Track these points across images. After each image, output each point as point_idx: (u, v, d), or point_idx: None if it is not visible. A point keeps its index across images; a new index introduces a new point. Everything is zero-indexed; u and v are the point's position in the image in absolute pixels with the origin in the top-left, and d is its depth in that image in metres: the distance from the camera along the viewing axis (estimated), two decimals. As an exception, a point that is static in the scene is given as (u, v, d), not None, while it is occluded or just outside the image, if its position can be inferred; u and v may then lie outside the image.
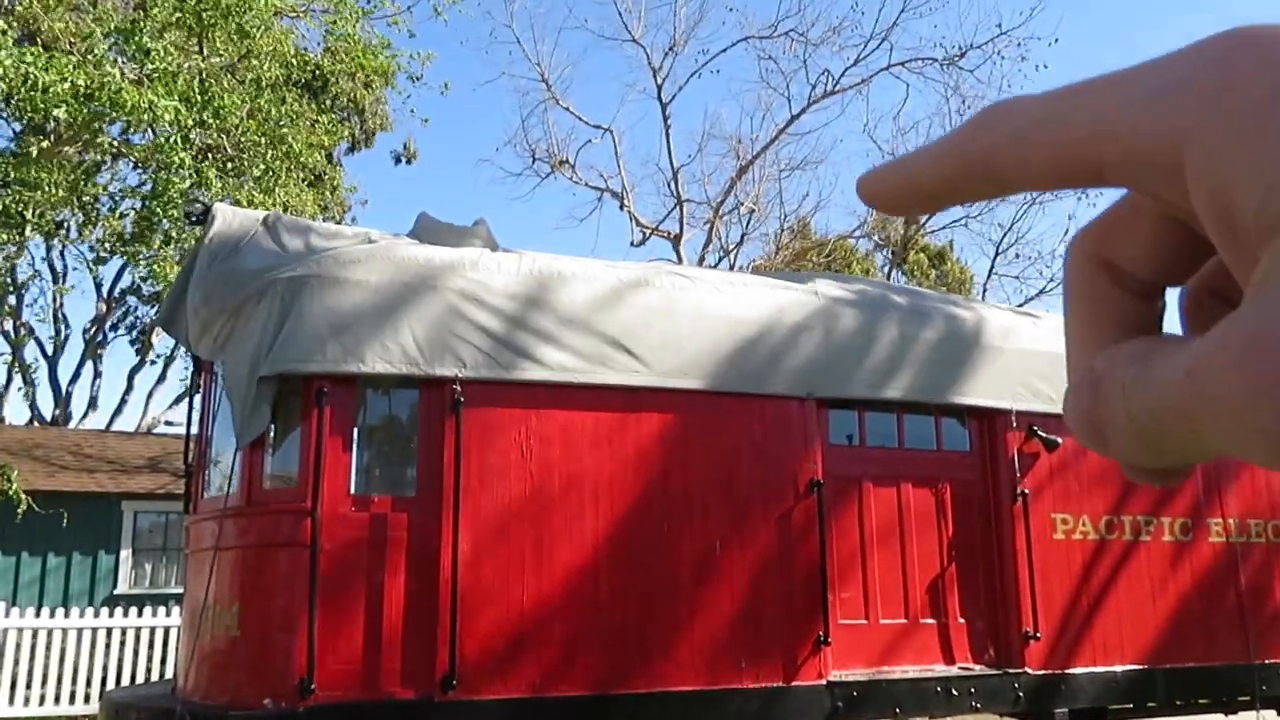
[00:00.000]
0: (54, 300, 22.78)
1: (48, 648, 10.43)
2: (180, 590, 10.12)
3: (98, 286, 22.82)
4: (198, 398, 5.97)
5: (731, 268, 21.90)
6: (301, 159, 13.64)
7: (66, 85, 10.74)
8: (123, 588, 14.54)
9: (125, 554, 14.80)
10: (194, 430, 5.87)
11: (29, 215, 12.74)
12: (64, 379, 23.86)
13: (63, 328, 23.77)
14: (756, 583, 5.42)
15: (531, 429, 5.17)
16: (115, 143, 13.48)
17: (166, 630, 10.97)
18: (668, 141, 22.22)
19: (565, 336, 5.28)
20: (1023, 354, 6.22)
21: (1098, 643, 6.06)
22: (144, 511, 15.10)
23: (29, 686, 10.33)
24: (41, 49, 11.35)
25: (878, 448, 6.01)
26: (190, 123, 11.81)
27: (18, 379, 23.26)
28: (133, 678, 10.69)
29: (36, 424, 21.79)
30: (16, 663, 10.27)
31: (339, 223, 14.59)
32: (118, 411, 23.71)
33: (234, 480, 5.17)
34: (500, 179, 46.92)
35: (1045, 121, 0.28)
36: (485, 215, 6.03)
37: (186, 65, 12.89)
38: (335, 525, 4.84)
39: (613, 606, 5.14)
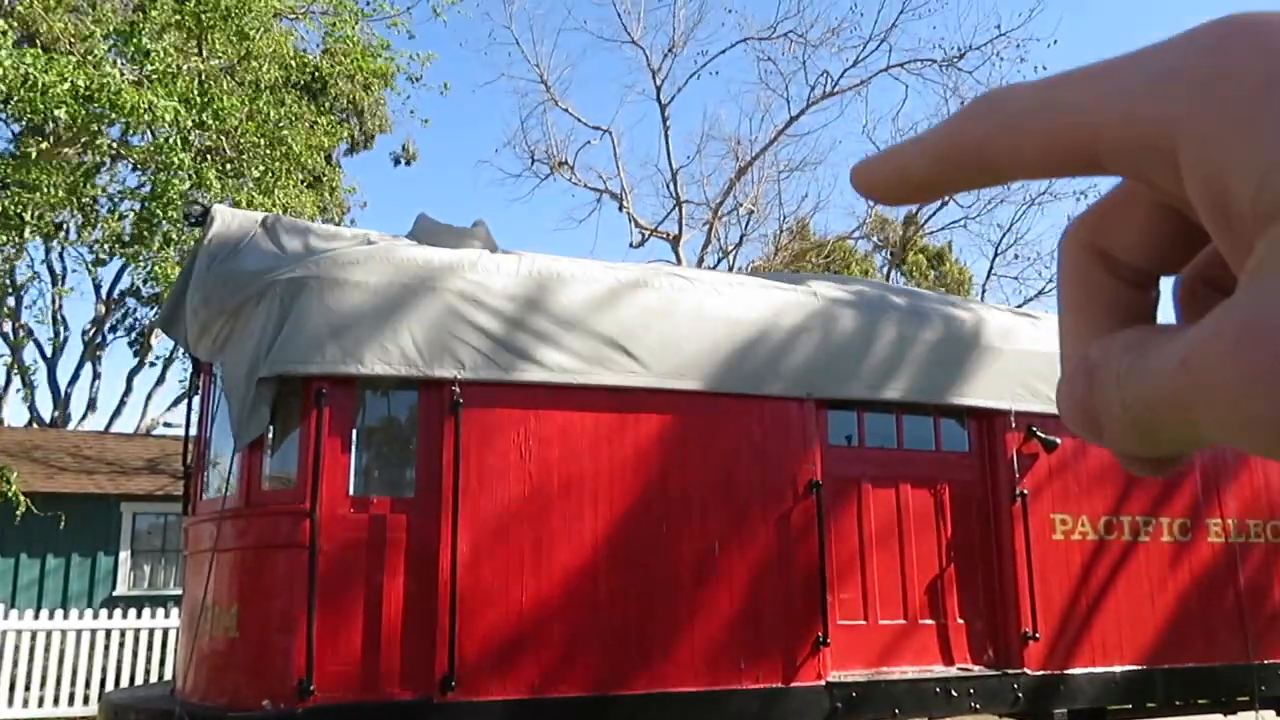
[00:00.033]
0: (53, 302, 22.80)
1: (47, 649, 10.42)
2: (179, 592, 10.13)
3: (97, 288, 22.83)
4: (196, 399, 5.97)
5: (731, 269, 21.90)
6: (301, 160, 13.64)
7: (66, 86, 10.73)
8: (122, 589, 14.53)
9: (124, 555, 14.79)
10: (193, 432, 5.87)
11: (28, 217, 12.73)
12: (63, 381, 23.87)
13: (62, 329, 23.79)
14: (755, 583, 5.41)
15: (530, 430, 5.17)
16: (114, 144, 13.48)
17: (165, 632, 10.96)
18: (667, 143, 22.26)
19: (564, 338, 5.28)
20: (1021, 355, 6.22)
21: (1097, 643, 6.06)
22: (143, 513, 15.09)
23: (28, 688, 10.32)
24: (41, 50, 11.34)
25: (876, 448, 6.00)
26: (190, 124, 11.81)
27: (17, 381, 23.26)
28: (132, 679, 10.69)
29: (35, 426, 21.78)
30: (15, 664, 10.25)
31: (338, 224, 14.57)
32: (117, 413, 23.71)
33: (233, 481, 5.17)
34: (499, 180, 46.99)
35: (1039, 109, 0.28)
36: (484, 216, 6.04)
37: (186, 67, 12.89)
38: (334, 526, 4.84)
39: (612, 607, 5.13)
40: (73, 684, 10.49)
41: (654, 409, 5.41)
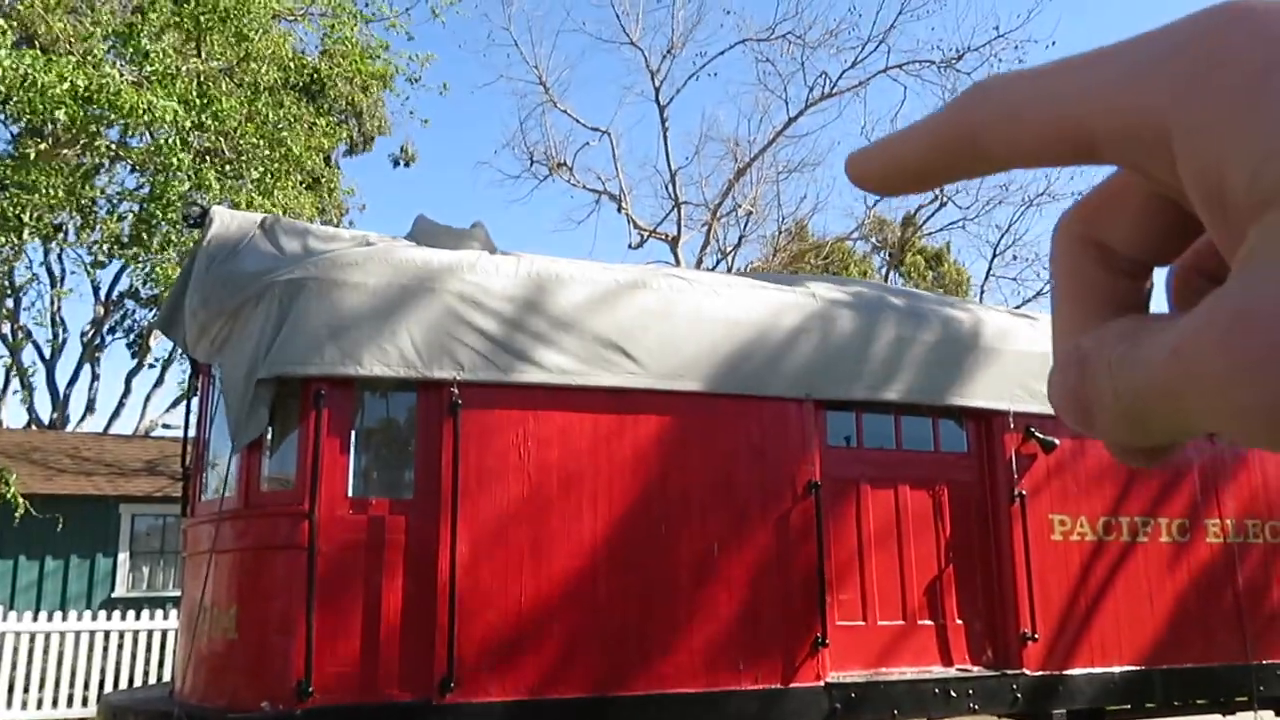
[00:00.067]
0: (52, 304, 22.79)
1: (45, 651, 10.41)
2: (178, 593, 10.10)
3: (95, 290, 22.83)
4: (195, 401, 5.97)
5: (729, 270, 21.90)
6: (301, 161, 13.64)
7: (66, 85, 10.73)
8: (120, 591, 14.52)
9: (123, 557, 14.78)
10: (192, 433, 5.87)
11: (27, 218, 12.72)
12: (62, 382, 23.85)
13: (61, 331, 23.78)
14: (754, 584, 5.41)
15: (529, 431, 5.17)
16: (113, 146, 13.47)
17: (164, 633, 10.94)
18: (665, 144, 22.26)
19: (563, 339, 5.27)
20: (1020, 355, 6.22)
21: (1095, 644, 6.05)
22: (141, 515, 15.08)
23: (27, 690, 10.30)
24: (40, 52, 11.34)
25: (875, 449, 6.00)
26: (189, 124, 11.81)
27: (15, 382, 23.25)
28: (130, 681, 10.67)
29: (34, 427, 21.77)
30: (14, 666, 10.24)
31: (336, 226, 14.57)
32: (115, 414, 23.70)
33: (232, 483, 5.16)
34: (498, 181, 46.97)
35: (1034, 97, 0.28)
36: (483, 218, 6.04)
37: (185, 68, 12.89)
38: (333, 528, 4.83)
39: (611, 608, 5.13)
40: (71, 686, 10.47)
41: (653, 410, 5.40)
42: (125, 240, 13.98)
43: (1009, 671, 5.81)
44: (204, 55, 13.58)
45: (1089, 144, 0.27)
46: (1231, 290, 0.24)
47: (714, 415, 5.50)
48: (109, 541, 14.70)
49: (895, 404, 5.95)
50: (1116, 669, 6.05)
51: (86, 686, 10.51)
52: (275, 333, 4.91)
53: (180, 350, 9.45)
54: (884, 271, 26.70)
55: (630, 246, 22.45)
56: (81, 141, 12.85)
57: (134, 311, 23.06)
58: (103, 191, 14.79)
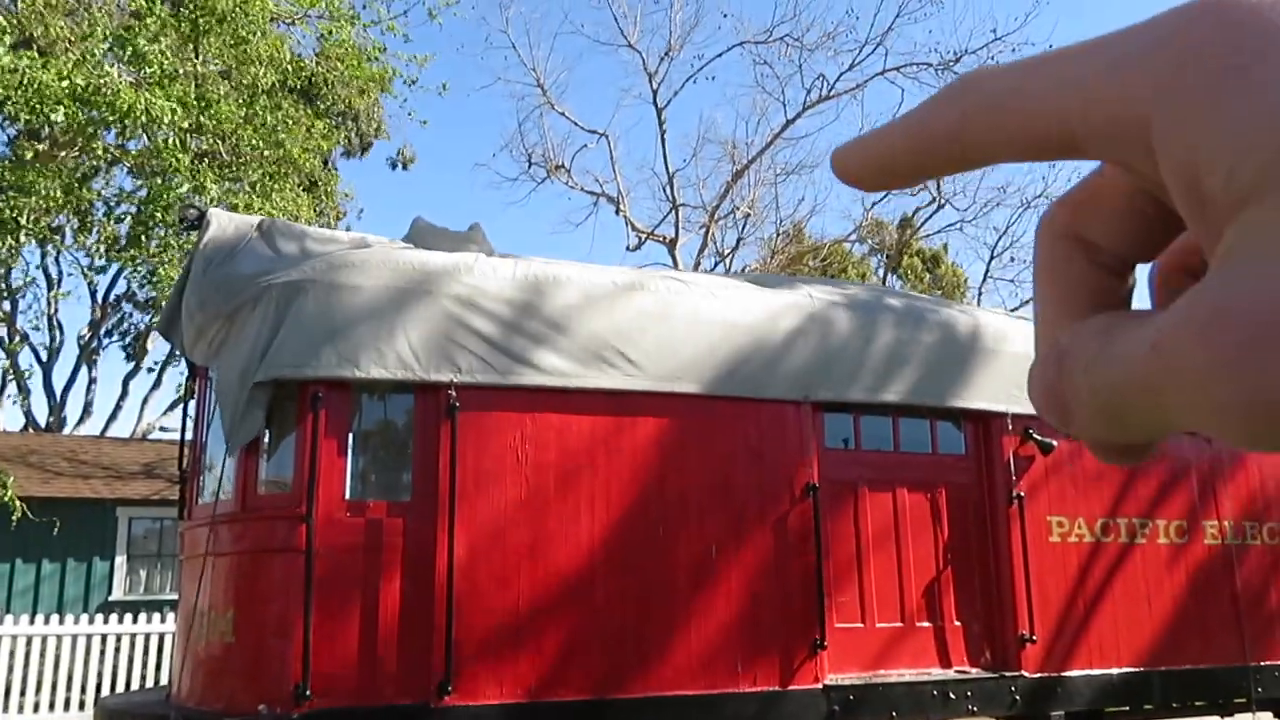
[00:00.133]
0: (49, 306, 22.77)
1: (42, 655, 10.40)
2: (175, 596, 10.10)
3: (92, 293, 22.82)
4: (192, 404, 5.96)
5: (727, 272, 21.90)
6: (299, 164, 13.63)
7: (64, 84, 10.72)
8: (117, 594, 14.50)
9: (120, 560, 14.76)
10: (189, 436, 5.86)
11: (24, 220, 12.70)
12: (59, 385, 23.84)
13: (57, 334, 23.75)
14: (753, 587, 5.41)
15: (527, 434, 5.16)
16: (111, 148, 13.47)
17: (161, 636, 10.93)
18: (663, 146, 22.34)
19: (560, 341, 5.27)
20: (1018, 357, 6.22)
21: (1094, 645, 6.05)
22: (138, 518, 15.06)
23: (23, 694, 10.29)
24: (38, 54, 11.33)
25: (873, 451, 6.00)
26: (187, 125, 11.80)
27: (12, 385, 23.22)
28: (127, 684, 10.65)
29: (31, 430, 21.74)
30: (11, 670, 10.23)
31: (334, 228, 14.55)
32: (112, 418, 23.69)
33: (229, 486, 5.15)
34: (496, 184, 46.88)
35: (1018, 90, 0.28)
36: (481, 220, 6.03)
37: (182, 70, 12.88)
38: (330, 531, 4.83)
39: (609, 611, 5.12)
40: (68, 689, 10.45)
41: (651, 412, 5.40)
42: (123, 243, 13.97)
43: (1007, 673, 5.81)
44: (201, 58, 13.58)
45: (1071, 137, 0.27)
46: (1210, 286, 0.24)
47: (712, 417, 5.50)
48: (106, 545, 14.68)
49: (893, 406, 5.95)
50: (1115, 670, 6.05)
51: (83, 690, 10.50)
52: (272, 335, 4.91)
53: (179, 353, 9.45)
54: (881, 274, 26.72)
55: (628, 249, 22.50)
56: (79, 144, 12.84)
57: (131, 314, 23.09)
58: (99, 194, 14.78)
